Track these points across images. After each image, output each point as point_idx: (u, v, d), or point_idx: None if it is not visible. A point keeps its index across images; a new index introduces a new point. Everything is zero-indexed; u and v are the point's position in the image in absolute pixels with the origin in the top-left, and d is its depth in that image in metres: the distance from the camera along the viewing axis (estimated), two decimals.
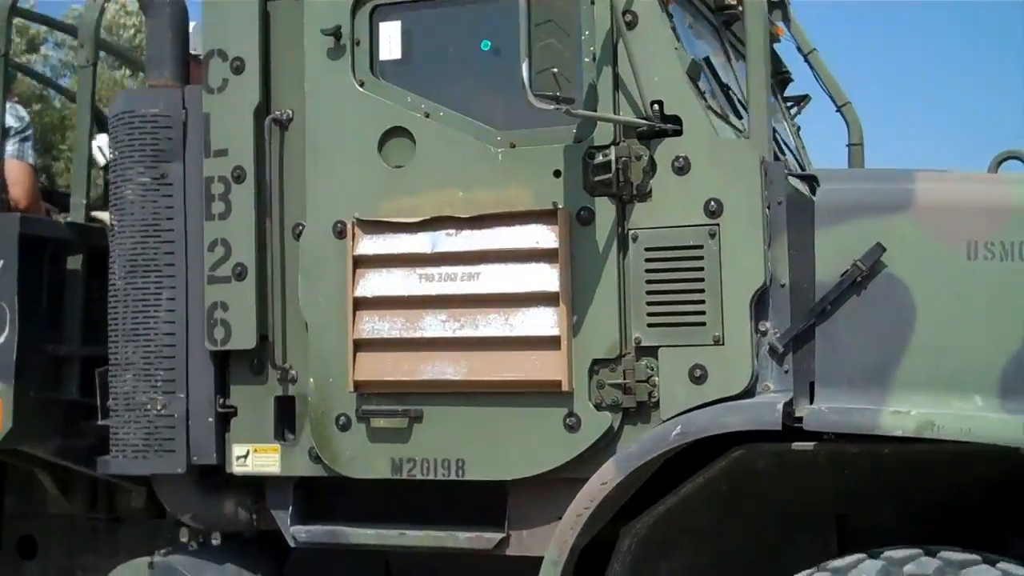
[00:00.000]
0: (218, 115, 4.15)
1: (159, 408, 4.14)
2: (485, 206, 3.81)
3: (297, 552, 4.24)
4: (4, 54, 4.57)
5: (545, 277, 3.72)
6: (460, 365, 3.81)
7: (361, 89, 4.00)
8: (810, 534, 3.69)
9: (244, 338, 4.09)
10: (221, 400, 4.18)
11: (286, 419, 4.12)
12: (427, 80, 4.00)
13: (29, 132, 4.99)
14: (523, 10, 3.37)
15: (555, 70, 3.40)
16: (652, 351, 3.66)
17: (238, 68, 4.12)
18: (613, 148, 3.63)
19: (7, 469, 5.12)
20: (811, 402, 3.51)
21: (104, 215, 4.80)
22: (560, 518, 3.60)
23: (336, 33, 3.99)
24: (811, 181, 3.74)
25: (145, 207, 4.19)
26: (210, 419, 4.15)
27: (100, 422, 4.54)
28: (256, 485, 4.22)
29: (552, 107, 3.40)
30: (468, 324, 3.80)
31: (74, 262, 4.74)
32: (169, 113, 4.19)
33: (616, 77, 3.72)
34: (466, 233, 3.83)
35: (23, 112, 4.99)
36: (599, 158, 3.67)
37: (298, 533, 4.08)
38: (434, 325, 3.84)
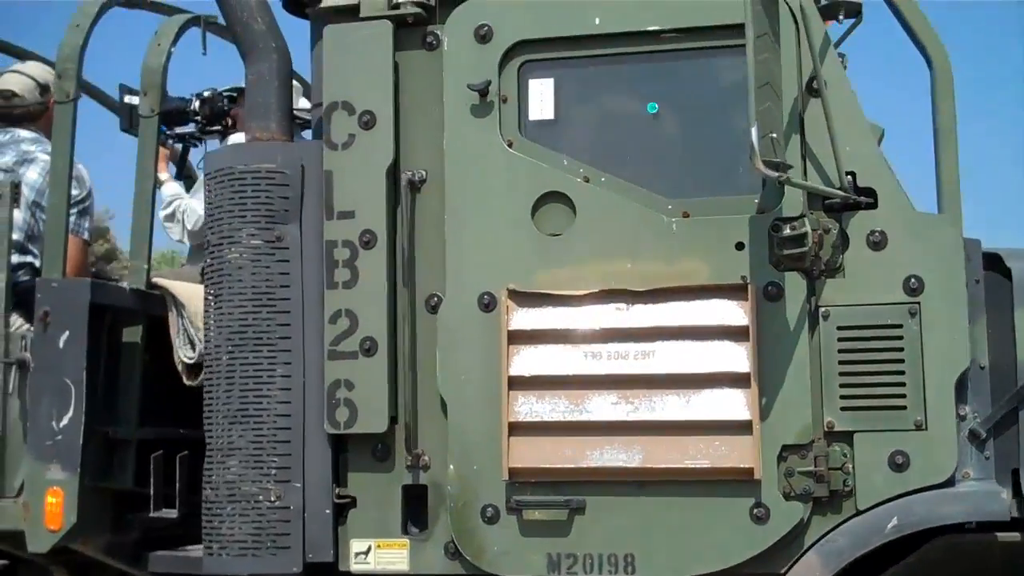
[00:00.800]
0: (343, 173, 3.76)
1: (272, 499, 3.66)
2: (656, 278, 3.55)
3: None
4: (75, 98, 4.06)
5: (733, 356, 3.46)
6: (633, 451, 3.50)
7: (511, 150, 3.70)
8: None
9: (374, 420, 3.68)
10: (337, 489, 3.73)
11: (415, 510, 3.71)
12: (582, 142, 3.73)
13: (89, 203, 4.48)
14: (752, 71, 3.16)
15: (773, 135, 3.20)
16: (846, 436, 3.45)
17: (367, 123, 3.76)
18: (807, 220, 3.42)
19: (16, 567, 4.50)
20: (1014, 490, 3.36)
21: (169, 282, 4.32)
22: None
23: (484, 89, 3.68)
24: (995, 259, 3.61)
25: (257, 273, 3.75)
26: (327, 511, 3.70)
27: (153, 514, 4.05)
28: None
29: (775, 175, 3.19)
30: (643, 406, 3.50)
31: (131, 333, 4.24)
32: (286, 169, 3.78)
33: (804, 145, 3.53)
34: (639, 307, 3.55)
35: (85, 175, 4.47)
36: (786, 230, 3.45)
37: None
38: (603, 407, 3.52)
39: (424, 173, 3.76)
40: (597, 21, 3.67)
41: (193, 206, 5.16)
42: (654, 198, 3.61)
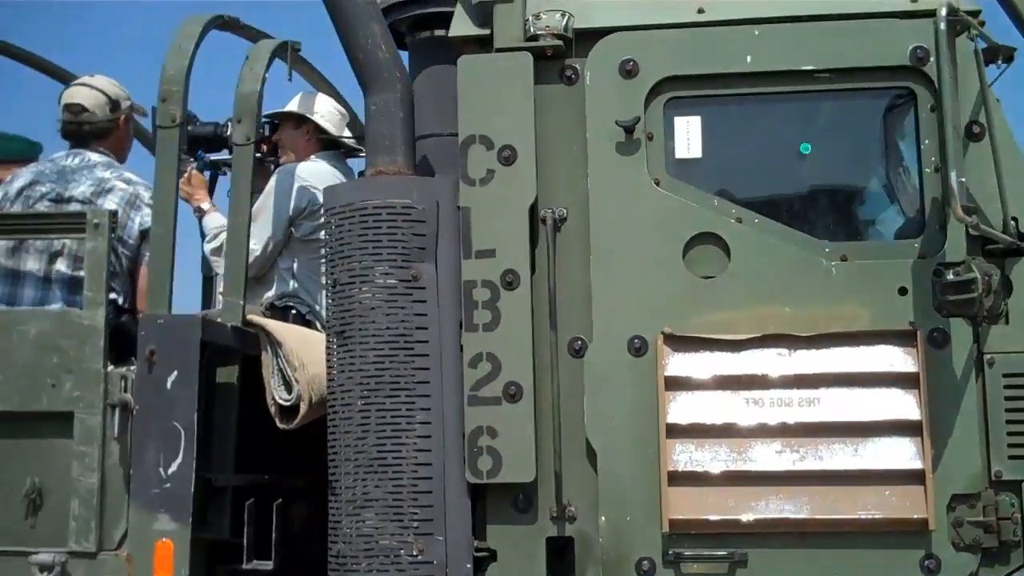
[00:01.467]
0: (482, 210, 3.59)
1: (414, 553, 3.45)
2: (816, 323, 3.46)
3: None
4: (181, 123, 3.81)
5: (902, 404, 3.39)
6: (800, 501, 3.40)
7: (659, 189, 3.58)
8: None
9: (520, 469, 3.50)
10: (475, 542, 3.55)
11: (558, 564, 3.54)
12: (731, 182, 3.64)
13: None
14: (948, 115, 3.10)
15: (962, 179, 3.15)
16: (1014, 485, 3.40)
17: (508, 159, 3.60)
18: (973, 266, 3.37)
19: None
20: None
21: (264, 320, 4.08)
22: None
23: (631, 126, 3.56)
24: None
25: (392, 313, 3.55)
26: (467, 565, 3.51)
27: (247, 565, 3.81)
28: None
29: (971, 220, 3.14)
30: (809, 455, 3.40)
31: (227, 374, 3.98)
32: (423, 205, 3.59)
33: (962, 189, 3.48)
34: (802, 352, 3.45)
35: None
36: (950, 276, 3.39)
37: None
38: (767, 456, 3.41)
39: (564, 211, 3.62)
40: (749, 59, 3.58)
41: None
42: (810, 241, 3.53)
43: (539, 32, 3.64)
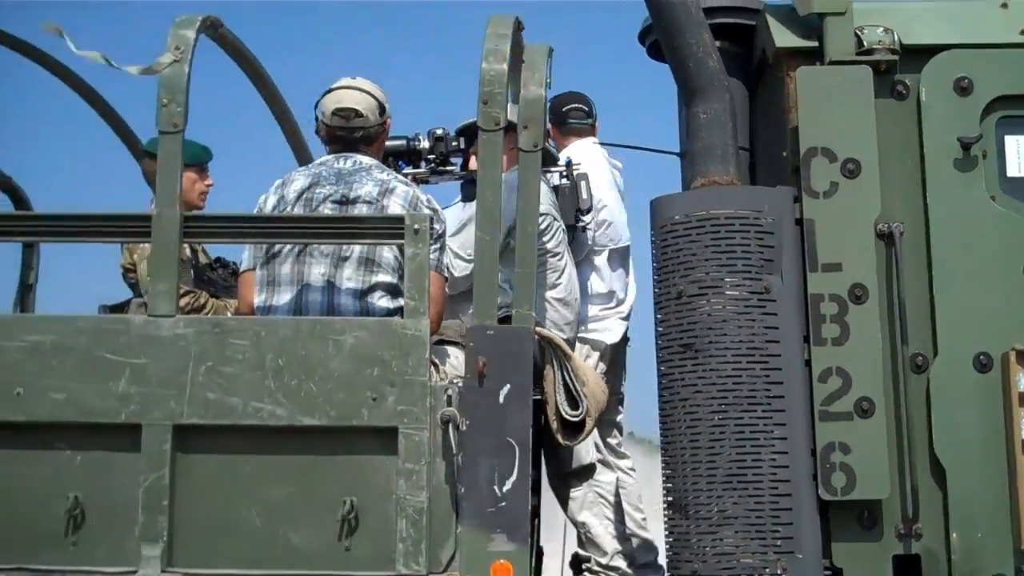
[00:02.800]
0: (826, 223, 3.57)
1: (779, 572, 3.38)
2: None
3: None
4: (504, 127, 3.64)
5: None
6: None
7: (997, 206, 3.61)
8: None
9: (875, 486, 3.47)
10: (825, 560, 3.50)
11: None
12: None
13: (444, 241, 4.00)
14: None
15: None
16: None
17: (851, 172, 3.58)
18: None
19: None
20: None
21: (552, 332, 3.94)
22: None
23: (970, 143, 3.59)
24: None
25: (744, 326, 3.48)
26: None
27: None
28: None
29: None
30: None
31: None
32: (772, 216, 3.54)
33: None
34: None
35: (438, 207, 4.00)
36: None
37: None
38: None
39: (902, 226, 3.62)
40: None
41: (452, 251, 4.72)
42: None
43: (874, 46, 3.64)
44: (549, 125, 5.03)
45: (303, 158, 5.11)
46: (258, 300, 3.85)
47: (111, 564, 3.47)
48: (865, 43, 3.65)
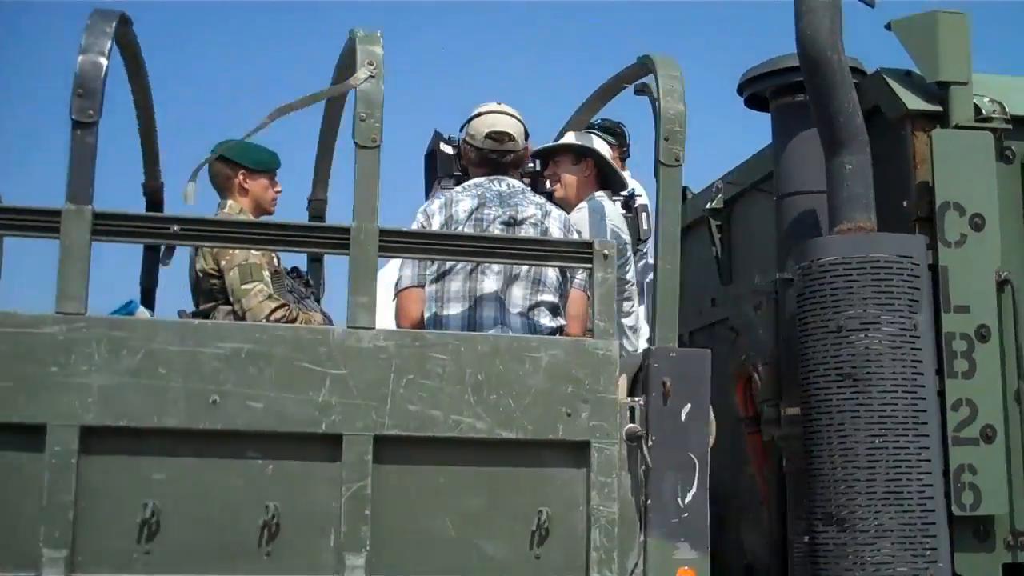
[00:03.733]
0: (958, 270, 4.04)
1: None
2: None
3: None
4: (680, 163, 3.89)
5: None
6: None
7: None
8: None
9: (995, 503, 3.97)
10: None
11: None
12: None
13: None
14: None
15: None
16: None
17: (978, 225, 4.07)
18: None
19: None
20: None
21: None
22: None
23: None
24: None
25: (897, 360, 3.89)
26: None
27: None
28: None
29: None
30: None
31: None
32: (921, 262, 3.98)
33: None
34: None
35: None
36: None
37: None
38: None
39: (1008, 273, 4.13)
40: None
41: None
42: None
43: (992, 115, 4.15)
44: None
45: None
46: (427, 315, 3.94)
47: (310, 573, 3.49)
48: (983, 111, 4.14)
